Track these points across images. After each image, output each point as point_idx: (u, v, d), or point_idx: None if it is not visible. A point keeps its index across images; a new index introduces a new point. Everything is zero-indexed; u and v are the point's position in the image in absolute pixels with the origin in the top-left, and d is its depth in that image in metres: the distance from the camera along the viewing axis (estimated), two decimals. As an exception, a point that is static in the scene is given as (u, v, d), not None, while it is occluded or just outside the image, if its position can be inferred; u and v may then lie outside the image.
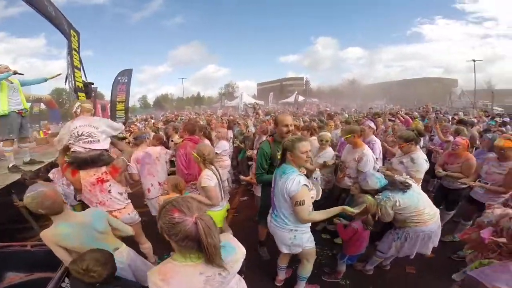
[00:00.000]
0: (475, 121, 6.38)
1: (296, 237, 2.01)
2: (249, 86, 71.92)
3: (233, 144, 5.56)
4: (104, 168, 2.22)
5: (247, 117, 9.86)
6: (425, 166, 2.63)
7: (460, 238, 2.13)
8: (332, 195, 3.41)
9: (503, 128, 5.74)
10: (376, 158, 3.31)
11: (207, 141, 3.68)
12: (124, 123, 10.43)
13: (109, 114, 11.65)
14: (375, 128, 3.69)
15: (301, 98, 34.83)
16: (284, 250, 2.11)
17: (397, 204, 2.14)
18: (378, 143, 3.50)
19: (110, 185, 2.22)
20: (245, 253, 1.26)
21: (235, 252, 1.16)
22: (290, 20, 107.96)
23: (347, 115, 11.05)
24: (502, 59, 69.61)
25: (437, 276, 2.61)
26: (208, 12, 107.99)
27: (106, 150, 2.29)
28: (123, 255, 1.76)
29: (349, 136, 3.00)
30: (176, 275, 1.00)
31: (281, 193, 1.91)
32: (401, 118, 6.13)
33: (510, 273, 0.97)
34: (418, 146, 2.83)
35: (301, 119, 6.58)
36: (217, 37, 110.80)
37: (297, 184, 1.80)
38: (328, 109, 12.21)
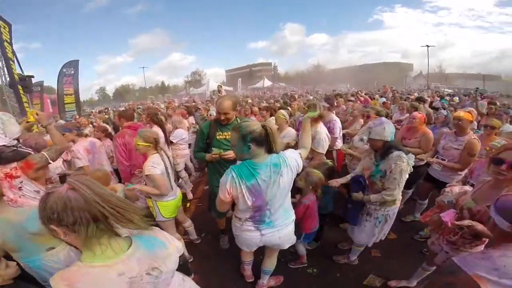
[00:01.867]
0: (429, 100, 6.84)
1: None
2: (218, 73, 69.94)
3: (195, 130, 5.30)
4: (14, 164, 1.89)
5: (210, 102, 9.46)
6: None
7: (422, 221, 2.10)
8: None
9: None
10: (336, 137, 3.32)
11: (156, 128, 3.37)
12: (77, 116, 9.50)
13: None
14: (328, 106, 3.65)
15: (269, 83, 34.87)
16: (288, 245, 1.90)
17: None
18: (338, 122, 3.45)
19: (21, 182, 1.95)
20: (181, 248, 1.10)
21: (164, 247, 0.98)
22: (260, 6, 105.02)
23: (311, 97, 11.26)
24: (452, 45, 76.39)
25: (402, 257, 2.60)
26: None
27: (6, 146, 1.95)
28: (59, 255, 1.59)
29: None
30: (84, 279, 0.77)
31: (288, 184, 1.61)
32: (361, 98, 6.34)
33: (491, 261, 0.91)
34: None
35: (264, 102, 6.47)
36: (182, 24, 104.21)
37: (298, 154, 1.67)
38: (294, 92, 12.22)
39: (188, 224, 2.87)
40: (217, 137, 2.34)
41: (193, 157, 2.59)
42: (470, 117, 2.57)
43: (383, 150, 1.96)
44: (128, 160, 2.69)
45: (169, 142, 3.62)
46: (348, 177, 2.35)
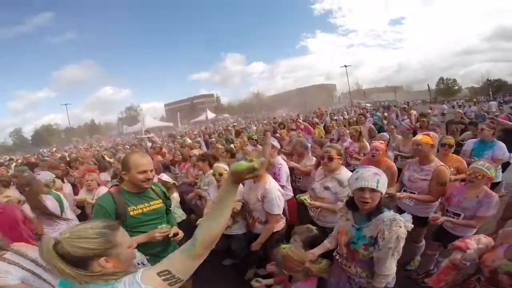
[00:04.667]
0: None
1: None
2: (156, 107, 66.45)
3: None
4: None
5: (136, 146, 8.17)
6: None
7: (435, 286, 1.57)
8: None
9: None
10: (283, 186, 2.72)
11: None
12: None
13: None
14: (278, 147, 3.17)
15: (212, 115, 34.53)
16: None
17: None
18: (284, 166, 2.92)
19: None
20: None
21: None
22: (202, 37, 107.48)
23: (254, 128, 11.05)
24: (363, 63, 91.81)
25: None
26: (105, 28, 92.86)
27: None
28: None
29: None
30: None
31: None
32: (301, 126, 6.10)
33: None
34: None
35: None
36: (116, 55, 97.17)
37: None
38: (236, 124, 11.86)
39: None
40: (131, 214, 1.69)
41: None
42: (430, 141, 2.32)
43: (373, 208, 1.45)
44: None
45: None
46: (327, 243, 1.78)
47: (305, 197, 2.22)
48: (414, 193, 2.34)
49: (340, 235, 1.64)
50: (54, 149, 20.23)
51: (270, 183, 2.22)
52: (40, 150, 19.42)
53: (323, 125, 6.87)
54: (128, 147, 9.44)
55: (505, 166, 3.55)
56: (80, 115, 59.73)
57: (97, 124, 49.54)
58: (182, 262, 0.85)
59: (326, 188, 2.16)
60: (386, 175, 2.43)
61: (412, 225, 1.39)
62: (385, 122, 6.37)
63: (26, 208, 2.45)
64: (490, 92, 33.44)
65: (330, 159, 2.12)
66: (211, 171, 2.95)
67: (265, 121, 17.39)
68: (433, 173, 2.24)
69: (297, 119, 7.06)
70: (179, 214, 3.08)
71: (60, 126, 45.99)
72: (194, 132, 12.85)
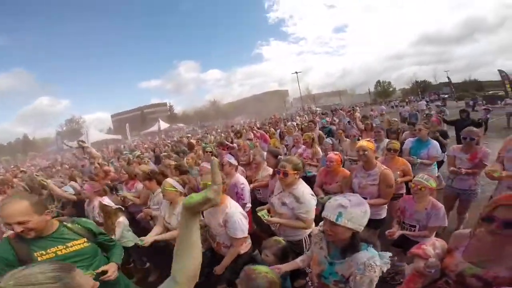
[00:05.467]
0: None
1: None
2: (102, 118, 60.10)
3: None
4: None
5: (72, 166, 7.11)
6: (313, 202, 2.03)
7: None
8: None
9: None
10: (245, 203, 2.63)
11: None
12: None
13: None
14: (236, 164, 3.00)
15: (166, 125, 32.70)
16: None
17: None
18: (246, 186, 2.76)
19: None
20: None
21: None
22: (151, 44, 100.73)
23: (212, 137, 10.68)
24: (311, 69, 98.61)
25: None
26: (41, 33, 79.28)
27: None
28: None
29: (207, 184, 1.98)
30: None
31: None
32: (257, 134, 5.96)
33: None
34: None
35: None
36: (52, 63, 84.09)
37: None
38: (189, 135, 11.25)
39: None
40: (39, 259, 1.44)
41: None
42: (373, 146, 2.48)
43: (347, 244, 1.33)
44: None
45: None
46: (299, 262, 1.69)
47: (263, 213, 2.10)
48: (366, 199, 2.41)
49: (313, 263, 1.53)
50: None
51: (230, 206, 2.05)
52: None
53: (278, 131, 7.01)
54: (67, 166, 8.15)
55: (440, 163, 4.00)
56: (10, 130, 50.52)
57: (31, 140, 42.72)
58: None
59: (284, 203, 2.06)
60: (345, 184, 2.54)
61: (389, 265, 1.30)
62: (333, 127, 6.73)
63: None
64: (419, 92, 38.84)
65: (285, 174, 2.02)
66: (159, 189, 2.76)
67: (219, 130, 17.11)
68: (379, 176, 2.36)
69: (253, 126, 7.03)
70: (130, 238, 2.77)
71: None
72: (145, 146, 11.83)
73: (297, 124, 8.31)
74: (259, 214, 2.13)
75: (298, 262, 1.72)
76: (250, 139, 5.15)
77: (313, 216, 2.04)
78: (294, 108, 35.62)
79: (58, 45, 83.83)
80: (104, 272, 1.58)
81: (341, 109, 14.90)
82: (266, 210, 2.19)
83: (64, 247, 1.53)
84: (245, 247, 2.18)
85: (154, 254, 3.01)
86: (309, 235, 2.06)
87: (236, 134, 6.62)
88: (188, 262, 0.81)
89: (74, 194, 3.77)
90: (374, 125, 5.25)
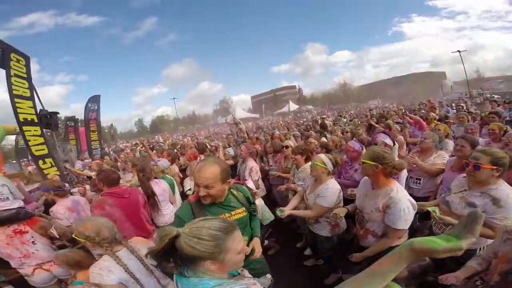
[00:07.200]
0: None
1: None
2: (244, 99, 71.36)
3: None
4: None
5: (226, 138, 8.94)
6: None
7: None
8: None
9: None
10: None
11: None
12: (100, 157, 9.40)
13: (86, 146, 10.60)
14: (392, 144, 2.79)
15: (295, 107, 34.52)
16: None
17: None
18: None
19: (32, 236, 2.18)
20: None
21: None
22: (279, 30, 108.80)
23: (344, 120, 10.24)
24: (482, 48, 70.32)
25: None
26: (199, 29, 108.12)
27: (22, 208, 2.23)
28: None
29: (370, 163, 1.83)
30: None
31: None
32: (410, 119, 5.12)
33: None
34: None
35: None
36: (209, 53, 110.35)
37: None
38: (324, 116, 11.15)
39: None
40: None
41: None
42: None
43: None
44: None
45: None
46: (475, 265, 1.49)
47: (435, 209, 1.81)
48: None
49: (498, 261, 1.33)
50: (167, 135, 25.15)
51: (397, 191, 1.81)
52: (156, 137, 24.42)
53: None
54: (224, 135, 10.61)
55: None
56: (184, 107, 71.12)
57: (197, 115, 57.21)
58: None
59: (471, 204, 1.72)
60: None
61: None
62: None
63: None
64: None
65: (477, 167, 1.66)
66: (306, 165, 2.89)
67: (351, 112, 15.73)
68: None
69: (404, 112, 6.14)
70: (268, 216, 2.93)
71: (169, 116, 55.74)
72: (280, 122, 13.13)
73: (469, 112, 6.43)
74: (430, 209, 1.83)
75: (474, 266, 1.46)
76: (400, 123, 4.61)
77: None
78: (456, 94, 26.97)
79: (211, 35, 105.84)
80: (252, 252, 1.56)
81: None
82: (437, 208, 1.85)
83: (230, 215, 1.57)
84: (402, 241, 1.86)
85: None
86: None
87: (380, 118, 6.07)
88: None
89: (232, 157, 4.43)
90: None
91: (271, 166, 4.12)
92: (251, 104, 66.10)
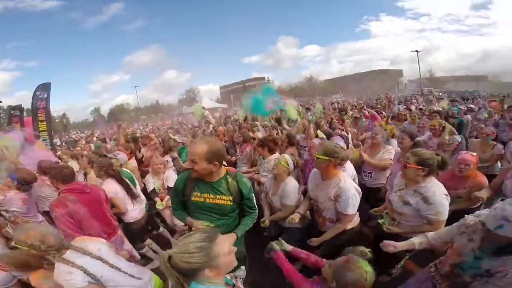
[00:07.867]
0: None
1: None
2: (213, 89, 69.20)
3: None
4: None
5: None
6: (446, 203, 1.77)
7: None
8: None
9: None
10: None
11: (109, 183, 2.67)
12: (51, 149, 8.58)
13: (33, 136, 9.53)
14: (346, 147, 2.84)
15: (263, 98, 34.62)
16: None
17: None
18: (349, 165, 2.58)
19: None
20: None
21: None
22: (253, 20, 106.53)
23: (309, 113, 10.57)
24: (438, 49, 78.31)
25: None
26: (170, 14, 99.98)
27: None
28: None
29: (324, 158, 1.94)
30: None
31: None
32: (366, 113, 5.52)
33: None
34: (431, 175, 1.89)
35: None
36: (178, 41, 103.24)
37: None
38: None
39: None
40: (192, 199, 1.68)
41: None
42: None
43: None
44: (79, 231, 1.99)
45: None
46: (416, 243, 1.66)
47: (384, 221, 1.97)
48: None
49: (451, 252, 1.46)
50: (125, 125, 23.33)
51: (344, 181, 1.97)
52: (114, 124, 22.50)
53: (391, 115, 6.23)
54: (190, 126, 10.19)
55: None
56: (147, 96, 66.64)
57: (160, 105, 54.01)
58: None
59: (406, 203, 1.87)
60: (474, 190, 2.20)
61: None
62: (467, 118, 5.34)
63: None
64: None
65: (405, 166, 1.83)
66: (271, 156, 2.95)
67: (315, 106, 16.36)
68: None
69: (362, 106, 6.53)
70: None
71: (130, 105, 51.73)
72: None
73: (420, 109, 7.08)
74: (380, 221, 1.99)
75: (416, 244, 1.60)
76: (357, 118, 4.90)
77: (445, 218, 1.76)
78: (409, 91, 29.70)
79: (183, 25, 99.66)
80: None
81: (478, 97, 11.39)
82: (386, 215, 2.04)
83: (213, 197, 1.65)
84: (353, 222, 2.10)
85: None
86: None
87: (340, 112, 6.38)
88: None
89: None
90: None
91: (238, 155, 4.17)
92: (219, 94, 64.76)
